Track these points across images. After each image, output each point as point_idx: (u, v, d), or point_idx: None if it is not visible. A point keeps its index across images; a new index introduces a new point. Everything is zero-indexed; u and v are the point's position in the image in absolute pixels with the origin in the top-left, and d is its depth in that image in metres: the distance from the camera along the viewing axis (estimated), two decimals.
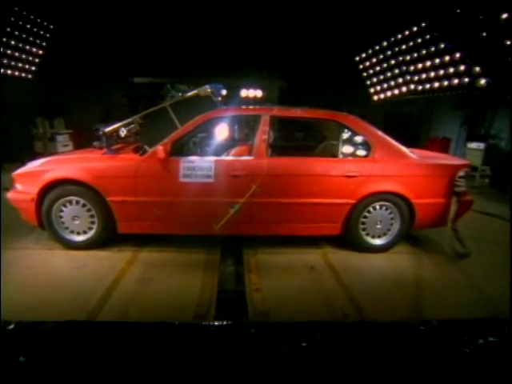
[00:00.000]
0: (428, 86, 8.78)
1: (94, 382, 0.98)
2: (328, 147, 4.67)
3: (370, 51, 10.59)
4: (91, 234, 3.60)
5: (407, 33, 8.72)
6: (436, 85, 8.48)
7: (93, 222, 3.58)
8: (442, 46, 7.75)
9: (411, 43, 8.71)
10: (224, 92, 4.81)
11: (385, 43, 9.81)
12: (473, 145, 8.41)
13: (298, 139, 11.08)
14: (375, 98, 11.40)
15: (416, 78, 9.04)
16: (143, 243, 3.84)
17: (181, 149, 3.64)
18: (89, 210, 3.53)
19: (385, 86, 10.68)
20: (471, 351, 1.15)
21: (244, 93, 11.61)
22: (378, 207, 3.70)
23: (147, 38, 10.17)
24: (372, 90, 11.40)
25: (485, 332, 1.27)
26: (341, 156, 3.70)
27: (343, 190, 3.56)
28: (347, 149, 3.78)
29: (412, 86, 9.42)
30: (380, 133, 3.73)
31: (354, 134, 3.74)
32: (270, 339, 1.21)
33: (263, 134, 3.55)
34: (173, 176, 3.41)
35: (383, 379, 1.04)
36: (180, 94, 4.03)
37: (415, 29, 8.42)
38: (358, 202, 3.60)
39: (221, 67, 11.06)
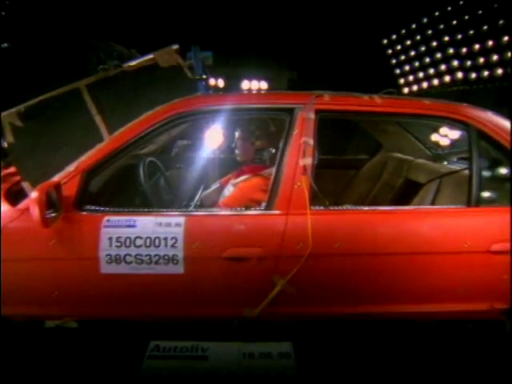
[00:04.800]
0: (486, 73, 6.80)
1: (95, 380, 1.08)
2: (390, 168, 2.65)
3: (404, 31, 8.56)
4: None
5: (461, 2, 6.69)
6: (499, 71, 6.49)
7: None
8: None
9: (467, 17, 6.68)
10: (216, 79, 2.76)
11: (425, 20, 7.78)
12: None
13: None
14: (406, 90, 9.44)
15: (469, 63, 7.07)
16: None
17: (108, 190, 1.62)
18: None
19: (420, 75, 8.70)
20: (471, 350, 1.24)
21: (246, 85, 9.71)
22: None
23: (130, 17, 8.22)
24: (402, 81, 9.43)
25: (485, 332, 1.31)
26: (472, 201, 1.66)
27: (482, 284, 1.57)
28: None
29: (460, 75, 7.46)
30: None
31: (497, 146, 1.73)
32: (268, 338, 1.21)
33: (301, 153, 1.53)
34: (83, 260, 1.41)
35: (382, 377, 1.10)
36: (115, 63, 1.95)
37: None
38: None
39: (218, 53, 9.24)
